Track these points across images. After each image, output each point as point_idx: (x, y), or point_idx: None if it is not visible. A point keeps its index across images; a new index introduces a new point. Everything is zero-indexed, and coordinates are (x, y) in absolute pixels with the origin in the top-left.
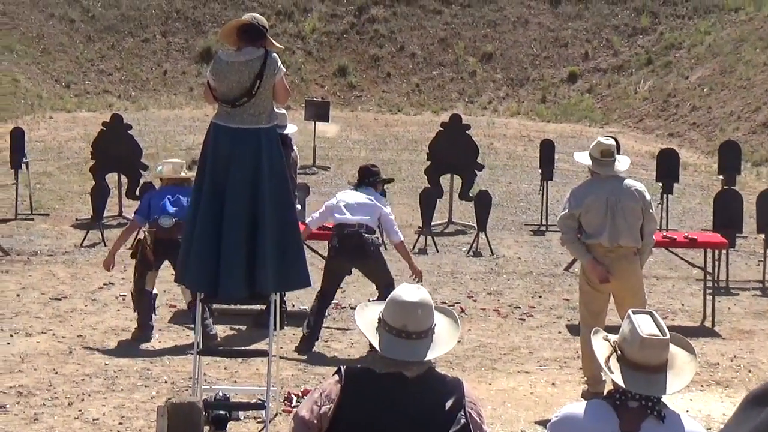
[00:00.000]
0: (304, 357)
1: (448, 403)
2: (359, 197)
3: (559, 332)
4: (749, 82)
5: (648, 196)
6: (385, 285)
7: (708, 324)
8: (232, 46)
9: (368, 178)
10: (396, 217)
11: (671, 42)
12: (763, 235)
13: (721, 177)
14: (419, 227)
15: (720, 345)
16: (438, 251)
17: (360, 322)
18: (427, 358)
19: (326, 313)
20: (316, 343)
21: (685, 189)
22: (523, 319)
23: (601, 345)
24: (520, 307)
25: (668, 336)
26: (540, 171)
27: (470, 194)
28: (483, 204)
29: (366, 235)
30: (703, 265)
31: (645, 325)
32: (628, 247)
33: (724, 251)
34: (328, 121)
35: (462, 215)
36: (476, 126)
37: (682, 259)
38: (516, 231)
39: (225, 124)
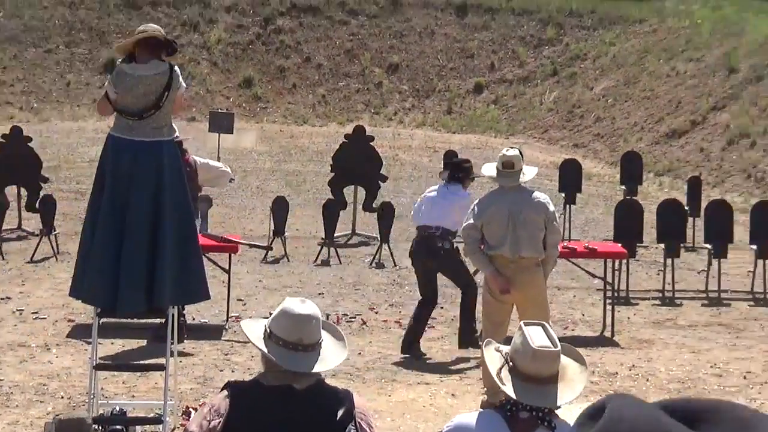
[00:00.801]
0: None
1: (339, 415)
2: (441, 199)
3: None
4: (653, 93)
5: (551, 208)
6: (463, 285)
7: (608, 334)
8: (124, 55)
9: (458, 174)
10: (300, 229)
11: (576, 53)
12: (663, 245)
13: (623, 187)
14: (322, 238)
15: (619, 354)
16: (341, 263)
17: (251, 336)
18: (316, 370)
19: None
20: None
21: (588, 199)
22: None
23: (493, 356)
24: None
25: (559, 347)
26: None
27: (374, 206)
28: (386, 215)
29: (438, 237)
30: (603, 275)
31: (536, 337)
32: (530, 258)
33: (624, 261)
34: (232, 133)
35: (366, 227)
36: (382, 137)
37: (583, 269)
38: None
39: (126, 137)
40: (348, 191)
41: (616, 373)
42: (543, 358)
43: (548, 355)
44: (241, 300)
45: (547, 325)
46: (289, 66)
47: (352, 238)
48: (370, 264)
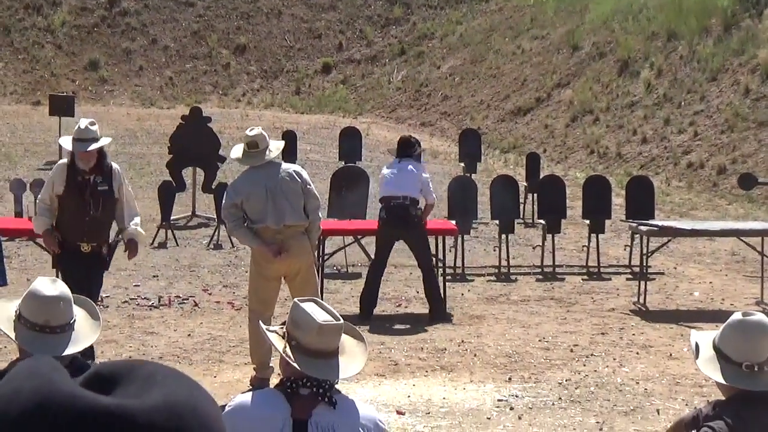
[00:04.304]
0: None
1: None
2: (402, 170)
3: None
4: (499, 71)
5: (305, 175)
6: (425, 257)
7: None
8: None
9: (408, 151)
10: (142, 213)
11: (423, 32)
12: (497, 221)
13: (461, 164)
14: (162, 221)
15: (449, 330)
16: (178, 245)
17: None
18: (68, 352)
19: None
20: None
21: (433, 177)
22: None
23: (274, 337)
24: None
25: (341, 321)
26: (283, 162)
27: (212, 187)
28: (223, 196)
29: (409, 206)
30: (435, 252)
31: (317, 313)
32: (295, 225)
33: (460, 238)
34: (73, 116)
35: (207, 208)
36: (229, 118)
37: None
38: None
39: None
40: (188, 173)
41: (445, 348)
42: (328, 332)
43: (333, 328)
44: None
45: (319, 300)
46: (135, 48)
47: (192, 219)
48: (208, 245)
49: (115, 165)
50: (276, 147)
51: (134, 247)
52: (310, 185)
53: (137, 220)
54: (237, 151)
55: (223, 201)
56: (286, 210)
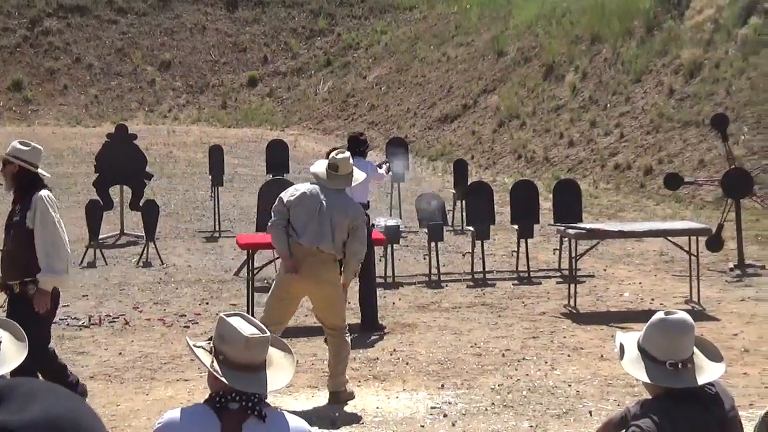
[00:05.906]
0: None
1: None
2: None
3: None
4: (424, 79)
5: (361, 218)
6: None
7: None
8: None
9: (358, 147)
10: (69, 232)
11: (348, 43)
12: (425, 229)
13: (389, 174)
14: (90, 240)
15: (382, 340)
16: (107, 264)
17: None
18: None
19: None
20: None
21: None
22: (188, 327)
23: (201, 352)
24: (185, 315)
25: (268, 333)
26: (210, 177)
27: (140, 204)
28: (150, 213)
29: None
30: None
31: (243, 326)
32: (329, 254)
33: (390, 247)
34: None
35: (136, 226)
36: (156, 135)
37: None
38: (189, 239)
39: None
40: (115, 191)
41: (377, 358)
42: (256, 346)
43: (260, 341)
44: (2, 307)
45: (244, 313)
46: (59, 67)
47: (121, 238)
48: (137, 263)
49: (41, 193)
50: (356, 178)
51: (39, 300)
52: (361, 230)
53: (57, 264)
54: (319, 166)
55: (279, 197)
56: (325, 235)
